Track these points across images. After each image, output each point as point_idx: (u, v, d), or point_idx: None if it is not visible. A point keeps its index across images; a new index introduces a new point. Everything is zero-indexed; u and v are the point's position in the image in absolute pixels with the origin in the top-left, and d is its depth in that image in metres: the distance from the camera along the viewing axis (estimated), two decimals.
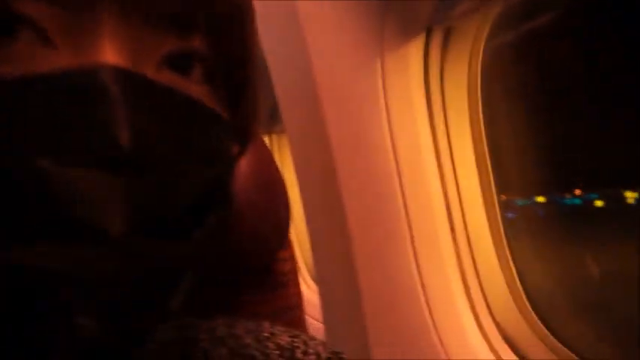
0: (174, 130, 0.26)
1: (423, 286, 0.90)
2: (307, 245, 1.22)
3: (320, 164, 1.04)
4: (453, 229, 0.90)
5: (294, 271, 0.56)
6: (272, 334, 0.39)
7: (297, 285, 0.56)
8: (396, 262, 0.93)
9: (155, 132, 0.24)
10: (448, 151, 0.89)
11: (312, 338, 0.41)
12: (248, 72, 0.33)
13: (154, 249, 0.25)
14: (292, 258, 0.55)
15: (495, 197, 0.91)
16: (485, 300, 0.91)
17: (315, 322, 1.56)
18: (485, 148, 0.89)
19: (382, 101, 0.87)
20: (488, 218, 0.90)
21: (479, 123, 0.89)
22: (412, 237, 0.91)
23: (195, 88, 0.29)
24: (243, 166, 0.45)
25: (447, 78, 0.89)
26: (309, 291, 1.87)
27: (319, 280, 1.16)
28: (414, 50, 0.85)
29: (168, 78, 0.28)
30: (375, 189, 0.94)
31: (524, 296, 0.89)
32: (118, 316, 0.24)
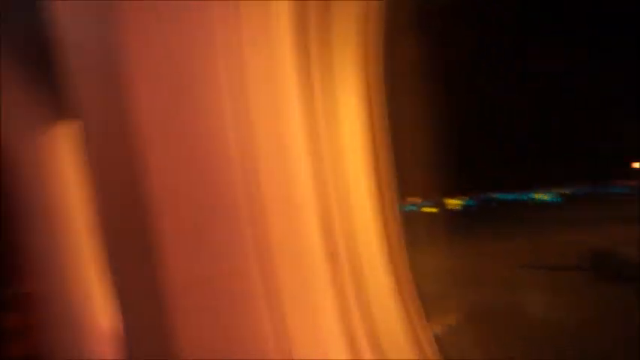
0: None
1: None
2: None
3: (123, 154, 0.74)
4: (332, 251, 0.63)
5: (26, 328, 0.28)
6: None
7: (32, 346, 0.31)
8: (233, 298, 0.75)
9: None
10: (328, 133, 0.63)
11: None
12: None
13: None
14: (25, 306, 0.29)
15: (393, 193, 0.67)
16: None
17: None
18: (380, 123, 0.65)
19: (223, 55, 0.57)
20: (385, 225, 0.66)
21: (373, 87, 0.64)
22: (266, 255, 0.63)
23: None
24: None
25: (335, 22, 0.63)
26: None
27: (122, 318, 0.88)
28: None
29: None
30: (209, 188, 0.68)
31: None
32: None
